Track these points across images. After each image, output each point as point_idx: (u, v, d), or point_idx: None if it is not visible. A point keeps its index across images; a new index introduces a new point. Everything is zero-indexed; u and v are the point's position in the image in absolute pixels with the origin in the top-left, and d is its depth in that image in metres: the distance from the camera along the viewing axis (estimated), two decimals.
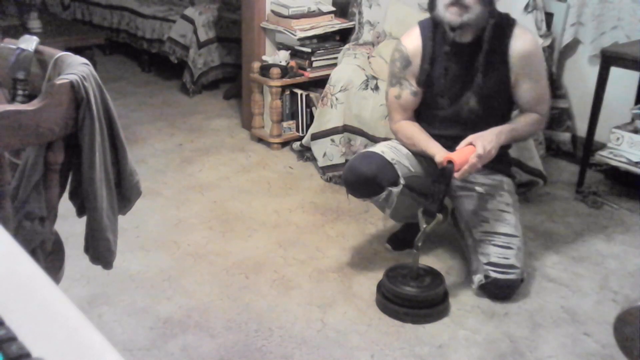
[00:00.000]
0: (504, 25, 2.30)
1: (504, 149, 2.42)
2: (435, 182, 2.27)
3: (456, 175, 2.20)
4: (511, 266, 2.30)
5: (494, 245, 2.33)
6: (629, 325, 1.51)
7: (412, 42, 2.36)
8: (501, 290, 2.33)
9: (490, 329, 2.21)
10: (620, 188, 3.25)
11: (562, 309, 2.33)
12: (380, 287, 2.34)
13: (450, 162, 2.21)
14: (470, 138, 2.26)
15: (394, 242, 2.67)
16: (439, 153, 2.27)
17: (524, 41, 2.29)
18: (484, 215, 2.39)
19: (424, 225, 2.27)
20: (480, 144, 2.22)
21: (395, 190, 2.32)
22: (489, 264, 2.31)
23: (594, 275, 2.55)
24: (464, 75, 2.32)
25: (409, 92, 2.38)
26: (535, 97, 2.36)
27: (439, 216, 2.26)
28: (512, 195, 2.45)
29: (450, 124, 2.38)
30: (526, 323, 2.25)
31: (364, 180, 2.32)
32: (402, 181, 2.33)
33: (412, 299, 2.24)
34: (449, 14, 2.21)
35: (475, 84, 2.31)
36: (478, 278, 2.35)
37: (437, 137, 2.35)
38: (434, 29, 2.33)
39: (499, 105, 2.39)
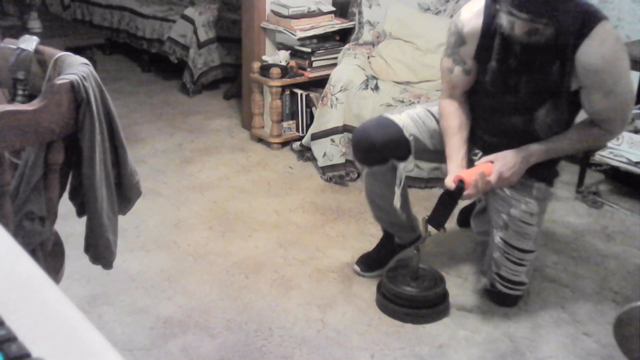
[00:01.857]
0: (584, 21, 1.90)
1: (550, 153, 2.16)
2: (444, 195, 2.11)
3: (465, 195, 2.04)
4: (519, 283, 2.27)
5: (508, 259, 2.21)
6: (629, 325, 1.51)
7: (471, 20, 2.05)
8: (503, 302, 2.33)
9: (490, 329, 2.21)
10: (620, 188, 3.25)
11: (562, 309, 2.33)
12: (380, 287, 2.34)
13: (461, 181, 2.03)
14: (492, 157, 2.08)
15: (364, 264, 2.49)
16: (451, 173, 2.08)
17: (598, 50, 1.89)
18: (505, 221, 2.18)
19: (426, 233, 2.21)
20: (497, 168, 2.03)
21: (401, 164, 2.20)
22: (499, 275, 2.26)
23: (594, 275, 2.55)
24: (532, 70, 2.02)
25: (461, 69, 2.13)
26: (605, 110, 2.01)
27: (442, 230, 2.18)
28: (540, 204, 2.18)
29: (494, 116, 2.16)
30: (526, 323, 2.25)
31: (373, 147, 2.18)
32: (412, 156, 2.20)
33: (413, 299, 2.24)
34: (517, 29, 1.88)
35: (546, 80, 2.00)
36: (484, 282, 2.35)
37: (476, 118, 2.18)
38: (494, 11, 1.97)
39: (556, 109, 2.05)
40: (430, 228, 2.19)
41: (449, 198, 2.09)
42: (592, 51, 1.90)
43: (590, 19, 1.91)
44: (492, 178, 2.03)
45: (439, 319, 2.25)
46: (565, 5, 1.86)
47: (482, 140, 2.23)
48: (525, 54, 1.98)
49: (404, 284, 2.27)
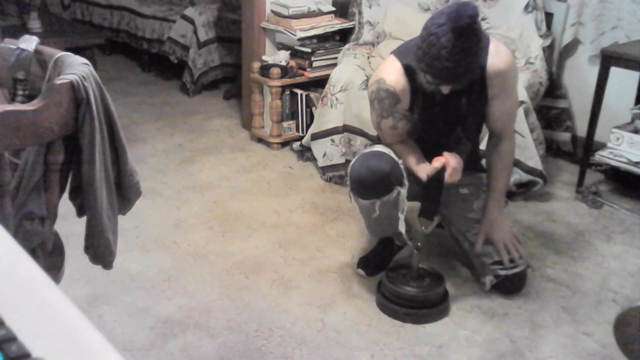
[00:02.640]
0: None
1: (474, 147, 2.43)
2: (428, 185, 2.23)
3: (449, 172, 2.17)
4: (518, 257, 2.35)
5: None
6: (629, 325, 1.51)
7: (398, 81, 2.20)
8: (513, 285, 2.37)
9: (490, 329, 2.21)
10: (620, 188, 3.25)
11: (562, 309, 2.33)
12: (380, 287, 2.34)
13: (443, 166, 2.17)
14: (487, 232, 2.32)
15: (367, 267, 2.49)
16: (421, 167, 2.23)
17: (500, 58, 2.17)
18: (472, 217, 2.39)
19: (423, 227, 2.29)
20: (498, 236, 2.32)
21: (403, 190, 2.25)
22: (495, 263, 2.33)
23: (594, 275, 2.55)
24: (452, 110, 2.24)
25: (404, 121, 2.27)
26: (506, 113, 2.29)
27: (437, 218, 2.27)
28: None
29: (431, 143, 2.34)
30: (526, 323, 2.25)
31: (380, 176, 2.21)
32: (406, 182, 2.27)
33: (413, 299, 2.24)
34: (442, 89, 2.09)
35: (461, 113, 2.24)
36: (489, 279, 2.36)
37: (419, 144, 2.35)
38: (412, 72, 2.18)
39: (476, 125, 2.36)
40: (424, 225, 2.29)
41: (434, 183, 2.20)
42: (495, 61, 2.16)
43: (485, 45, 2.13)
44: (499, 246, 2.32)
45: (439, 319, 2.25)
46: (478, 58, 2.03)
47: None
48: (447, 99, 2.18)
49: (404, 284, 2.27)
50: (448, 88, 2.08)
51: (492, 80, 2.19)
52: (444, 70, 1.97)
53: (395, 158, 2.27)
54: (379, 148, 2.34)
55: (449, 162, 2.16)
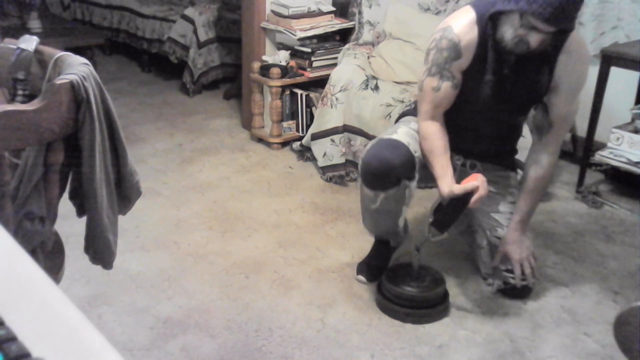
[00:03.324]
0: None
1: (511, 144, 2.37)
2: (454, 201, 2.12)
3: (476, 197, 2.08)
4: (527, 276, 2.33)
5: None
6: (629, 325, 1.51)
7: (467, 33, 2.04)
8: (520, 294, 2.36)
9: (490, 329, 2.21)
10: (620, 188, 3.25)
11: (562, 309, 2.33)
12: (380, 287, 2.34)
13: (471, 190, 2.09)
14: (506, 251, 2.28)
15: (368, 273, 2.44)
16: (445, 185, 2.11)
17: (576, 61, 2.02)
18: (497, 220, 2.33)
19: (430, 235, 2.22)
20: (517, 256, 2.28)
21: (412, 184, 2.18)
22: (508, 271, 2.31)
23: (594, 275, 2.55)
24: (514, 79, 2.10)
25: (450, 84, 2.10)
26: (564, 111, 2.17)
27: (446, 234, 2.20)
28: (519, 191, 2.35)
29: (481, 124, 2.25)
30: (526, 323, 2.25)
31: (388, 170, 2.12)
32: (416, 174, 2.19)
33: (413, 299, 2.24)
34: (532, 42, 1.93)
35: (528, 90, 2.12)
36: (497, 283, 2.36)
37: (459, 129, 2.22)
38: (492, 25, 2.02)
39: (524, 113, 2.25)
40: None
41: (459, 203, 2.11)
42: (572, 63, 2.04)
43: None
44: (515, 265, 2.29)
45: (439, 319, 2.25)
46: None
47: (460, 148, 2.28)
48: (519, 63, 2.05)
49: (404, 284, 2.27)
50: (540, 38, 1.91)
51: (561, 79, 2.08)
52: (553, 3, 1.80)
53: (412, 150, 2.16)
54: (398, 135, 2.19)
55: (480, 188, 2.07)
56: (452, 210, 2.14)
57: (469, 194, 2.08)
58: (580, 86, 2.16)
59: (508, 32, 1.95)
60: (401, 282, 2.28)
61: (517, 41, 1.95)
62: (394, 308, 2.25)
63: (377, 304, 2.31)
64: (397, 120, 2.47)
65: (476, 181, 2.08)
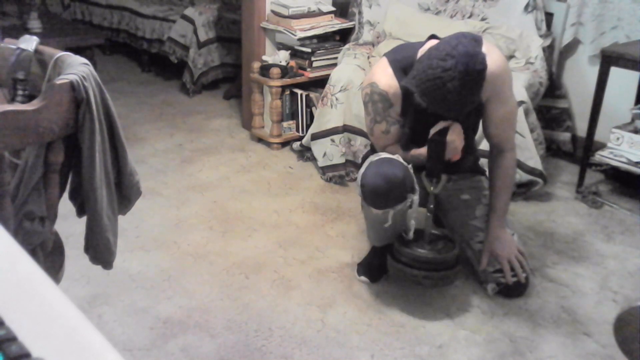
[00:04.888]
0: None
1: (470, 150, 2.40)
2: (430, 145, 2.19)
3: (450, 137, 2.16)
4: (518, 274, 2.33)
5: None
6: (629, 325, 1.51)
7: (391, 87, 2.19)
8: (516, 291, 2.37)
9: (490, 329, 2.21)
10: (620, 188, 3.25)
11: (562, 309, 2.33)
12: (393, 253, 2.29)
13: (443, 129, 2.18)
14: (490, 250, 2.31)
15: (370, 273, 2.45)
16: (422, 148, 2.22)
17: (491, 60, 2.06)
18: (475, 225, 2.39)
19: (432, 188, 2.26)
20: (502, 252, 2.30)
21: (416, 197, 2.22)
22: (497, 271, 2.33)
23: (594, 275, 2.55)
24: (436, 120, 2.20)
25: (397, 126, 2.26)
26: (502, 119, 2.27)
27: (444, 176, 2.26)
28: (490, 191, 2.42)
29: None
30: (526, 323, 2.25)
31: (396, 184, 2.15)
32: (417, 187, 2.23)
33: (430, 262, 2.23)
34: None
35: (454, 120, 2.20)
36: (492, 287, 2.36)
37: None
38: (405, 74, 2.15)
39: (471, 129, 2.34)
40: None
41: (438, 142, 2.17)
42: (488, 62, 2.02)
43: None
44: (503, 264, 2.31)
45: (454, 282, 2.31)
46: (480, 95, 2.03)
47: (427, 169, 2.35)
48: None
49: (419, 247, 2.26)
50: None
51: (485, 83, 2.10)
52: (446, 110, 2.01)
53: (404, 162, 2.22)
54: (385, 155, 2.27)
55: (454, 134, 2.16)
56: (435, 151, 2.19)
57: (445, 130, 2.15)
58: (500, 87, 2.19)
59: (419, 101, 2.04)
60: (416, 245, 2.27)
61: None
62: (412, 272, 2.23)
63: (392, 270, 2.31)
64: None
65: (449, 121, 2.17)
